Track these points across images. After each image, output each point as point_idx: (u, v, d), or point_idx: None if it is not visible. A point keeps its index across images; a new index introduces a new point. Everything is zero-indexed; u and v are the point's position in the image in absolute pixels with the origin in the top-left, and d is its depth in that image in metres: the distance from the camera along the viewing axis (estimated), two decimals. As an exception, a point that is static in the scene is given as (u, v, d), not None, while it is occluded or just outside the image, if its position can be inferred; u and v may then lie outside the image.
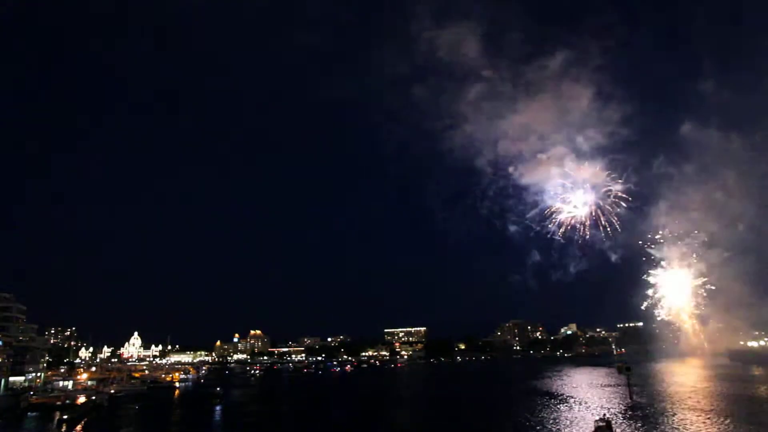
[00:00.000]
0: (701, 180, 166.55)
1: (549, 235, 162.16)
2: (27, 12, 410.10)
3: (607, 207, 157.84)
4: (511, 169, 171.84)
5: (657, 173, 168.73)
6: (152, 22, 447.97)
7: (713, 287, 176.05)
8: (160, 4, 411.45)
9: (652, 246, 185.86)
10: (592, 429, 43.64)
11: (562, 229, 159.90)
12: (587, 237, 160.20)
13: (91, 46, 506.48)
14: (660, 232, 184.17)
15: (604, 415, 50.52)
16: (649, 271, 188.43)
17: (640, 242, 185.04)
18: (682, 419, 52.94)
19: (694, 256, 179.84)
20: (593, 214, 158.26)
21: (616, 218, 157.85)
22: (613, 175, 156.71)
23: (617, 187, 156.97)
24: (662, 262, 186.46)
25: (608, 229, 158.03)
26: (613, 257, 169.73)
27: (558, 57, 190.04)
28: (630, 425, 50.32)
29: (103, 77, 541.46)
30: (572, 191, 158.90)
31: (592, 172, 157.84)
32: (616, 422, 48.22)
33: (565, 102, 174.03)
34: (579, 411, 61.61)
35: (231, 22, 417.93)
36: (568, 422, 53.72)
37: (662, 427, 49.36)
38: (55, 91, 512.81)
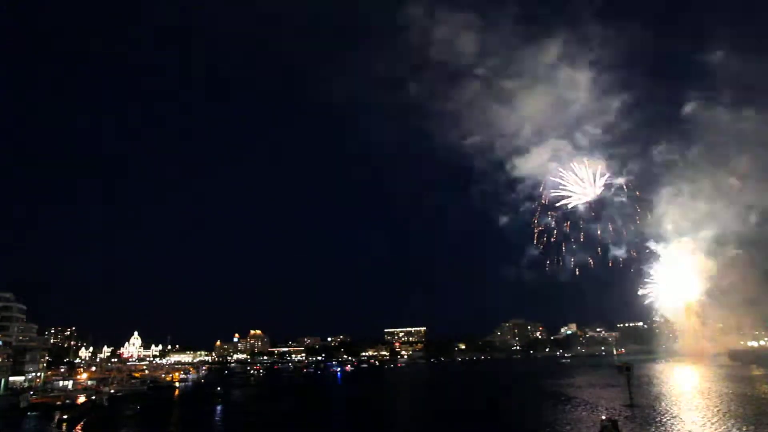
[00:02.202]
0: (708, 166, 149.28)
1: (548, 233, 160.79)
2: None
3: (608, 201, 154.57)
4: (508, 166, 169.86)
5: (659, 161, 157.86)
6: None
7: (717, 286, 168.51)
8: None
9: (654, 242, 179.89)
10: (598, 429, 43.58)
11: (561, 226, 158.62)
12: (587, 234, 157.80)
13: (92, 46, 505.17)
14: (663, 227, 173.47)
15: (610, 415, 50.43)
16: (651, 269, 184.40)
17: (641, 238, 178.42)
18: (683, 419, 52.88)
19: (699, 251, 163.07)
20: (593, 209, 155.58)
21: (616, 213, 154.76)
22: (614, 167, 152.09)
23: (618, 180, 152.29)
24: (664, 259, 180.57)
25: (609, 224, 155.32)
26: (614, 254, 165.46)
27: (555, 43, 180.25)
28: (631, 425, 50.25)
29: (103, 76, 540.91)
30: (572, 186, 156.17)
31: (591, 164, 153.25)
32: (619, 422, 48.11)
33: (561, 91, 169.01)
34: (581, 411, 61.57)
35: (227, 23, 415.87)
36: (571, 422, 53.66)
37: (663, 427, 49.31)
38: (51, 87, 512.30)
